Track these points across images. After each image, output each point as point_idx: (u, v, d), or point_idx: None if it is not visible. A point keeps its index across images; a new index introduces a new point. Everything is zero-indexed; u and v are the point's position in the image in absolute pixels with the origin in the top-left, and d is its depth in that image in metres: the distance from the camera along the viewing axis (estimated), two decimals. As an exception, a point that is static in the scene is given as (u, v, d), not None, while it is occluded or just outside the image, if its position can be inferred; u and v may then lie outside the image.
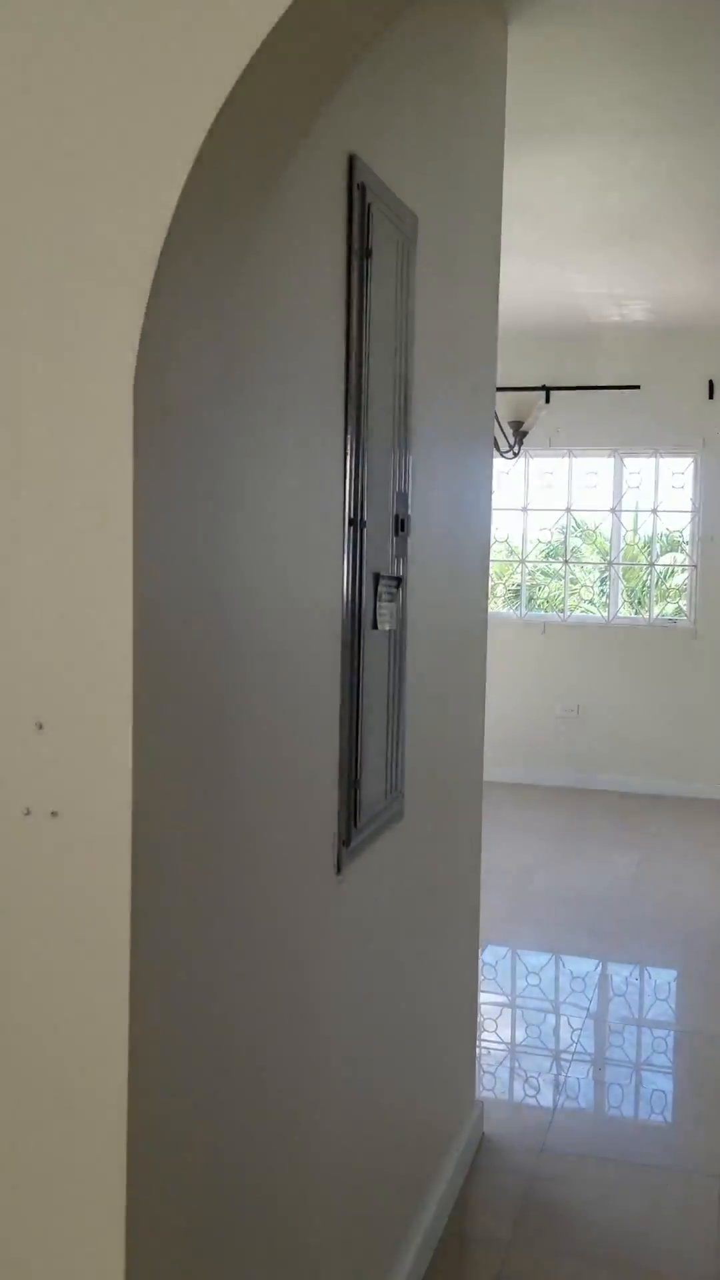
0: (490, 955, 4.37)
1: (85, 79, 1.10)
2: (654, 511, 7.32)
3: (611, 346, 7.01)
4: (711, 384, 6.95)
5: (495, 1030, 3.82)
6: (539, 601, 8.01)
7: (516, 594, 7.68)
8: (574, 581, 8.06)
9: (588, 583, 8.40)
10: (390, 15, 1.18)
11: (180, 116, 1.09)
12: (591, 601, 8.26)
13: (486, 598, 3.04)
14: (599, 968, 4.44)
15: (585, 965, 4.46)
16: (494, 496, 3.25)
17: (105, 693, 1.14)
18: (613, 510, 7.41)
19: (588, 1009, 4.05)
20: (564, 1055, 3.66)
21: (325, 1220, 1.88)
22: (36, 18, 1.11)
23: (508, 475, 7.18)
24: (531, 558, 7.71)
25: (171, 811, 1.24)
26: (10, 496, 1.15)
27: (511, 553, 7.62)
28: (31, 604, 1.15)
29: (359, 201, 1.80)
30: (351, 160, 1.77)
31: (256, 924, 1.52)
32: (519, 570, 7.65)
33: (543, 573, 8.11)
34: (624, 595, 7.83)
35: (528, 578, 7.74)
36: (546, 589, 8.15)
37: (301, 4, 1.07)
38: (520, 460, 7.05)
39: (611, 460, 7.30)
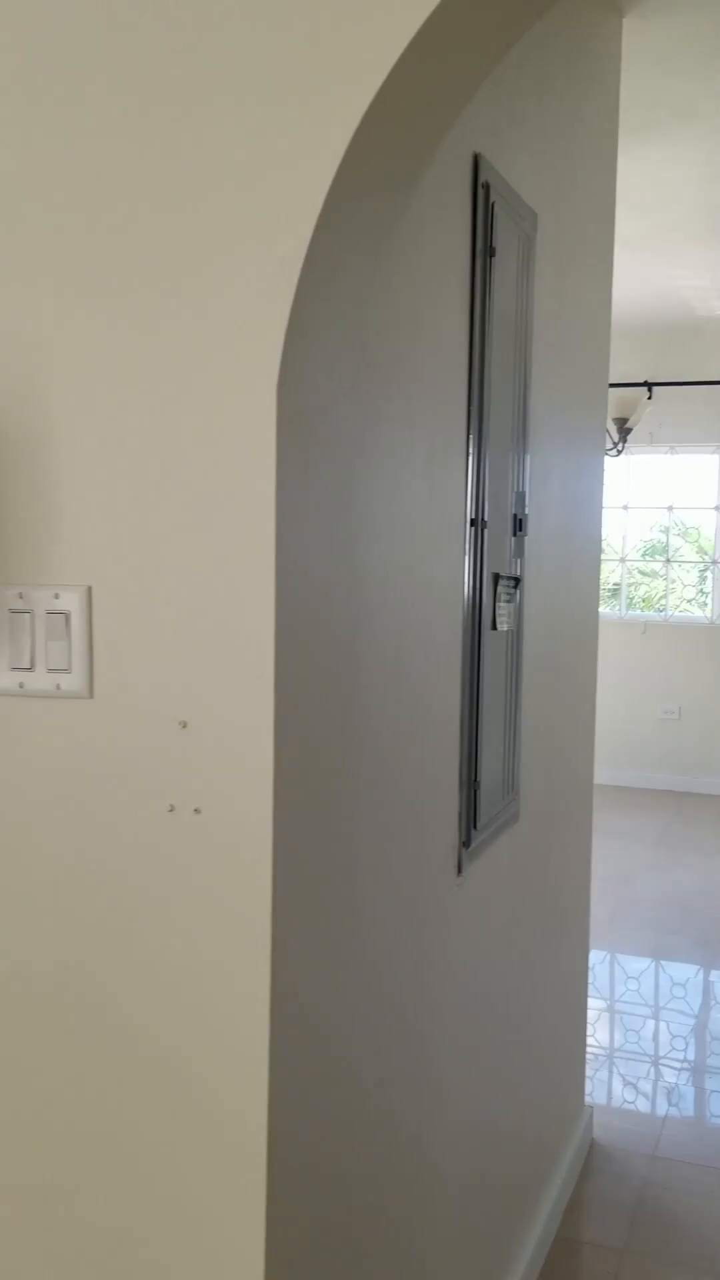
0: (591, 959, 4.31)
1: (235, 87, 1.11)
2: (758, 509, 7.16)
3: (716, 339, 6.87)
4: None
5: (596, 1035, 3.78)
6: (636, 601, 7.89)
7: (614, 593, 7.57)
8: (672, 580, 7.92)
9: (687, 582, 8.25)
10: (535, 17, 1.17)
11: (326, 122, 1.09)
12: (690, 601, 8.11)
13: (597, 598, 3.01)
14: (701, 974, 4.36)
15: (687, 971, 4.39)
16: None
17: (247, 691, 1.15)
18: (717, 508, 7.26)
19: (693, 1015, 3.98)
20: (670, 1061, 3.60)
21: (441, 1224, 1.88)
22: (188, 25, 1.12)
23: (609, 473, 7.09)
24: (630, 557, 7.59)
25: (309, 810, 1.25)
26: (156, 497, 1.17)
27: (606, 550, 7.52)
28: (176, 604, 1.17)
29: (483, 201, 1.79)
30: (476, 160, 1.76)
31: (383, 923, 1.53)
32: (618, 569, 7.55)
33: (640, 571, 7.98)
34: (726, 595, 7.67)
35: (626, 576, 7.63)
36: (643, 588, 8.02)
37: (448, 5, 1.07)
38: (620, 457, 6.95)
39: (716, 456, 7.16)
